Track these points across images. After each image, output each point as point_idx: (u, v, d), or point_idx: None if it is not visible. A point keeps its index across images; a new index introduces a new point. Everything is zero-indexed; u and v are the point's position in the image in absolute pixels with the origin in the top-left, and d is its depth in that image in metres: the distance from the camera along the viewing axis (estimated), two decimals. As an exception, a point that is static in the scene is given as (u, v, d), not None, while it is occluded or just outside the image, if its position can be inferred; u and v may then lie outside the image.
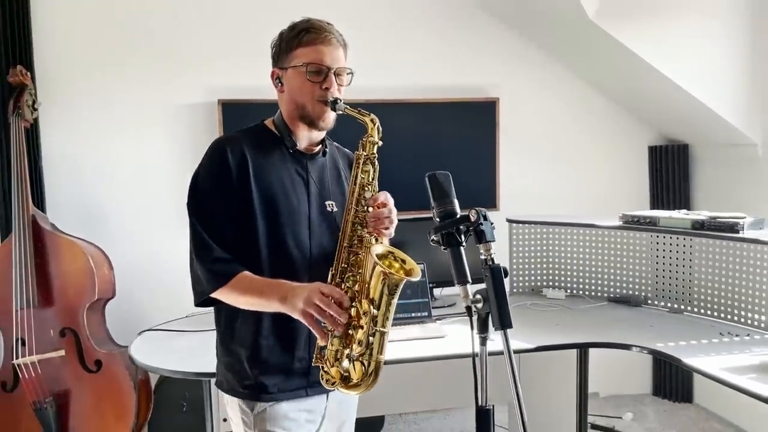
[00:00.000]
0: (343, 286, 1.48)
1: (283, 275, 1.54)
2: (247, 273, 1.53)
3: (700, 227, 2.65)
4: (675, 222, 2.74)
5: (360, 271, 1.49)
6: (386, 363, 2.26)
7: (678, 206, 3.79)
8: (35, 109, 3.19)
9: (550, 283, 3.26)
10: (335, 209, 1.64)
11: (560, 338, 2.52)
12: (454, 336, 2.57)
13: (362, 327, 1.42)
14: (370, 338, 1.41)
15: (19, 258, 2.90)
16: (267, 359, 1.59)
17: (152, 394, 3.19)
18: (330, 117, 1.60)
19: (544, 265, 3.26)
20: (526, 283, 3.28)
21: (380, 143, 1.55)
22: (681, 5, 3.32)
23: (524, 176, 3.89)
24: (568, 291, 3.21)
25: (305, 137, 1.65)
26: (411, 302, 2.79)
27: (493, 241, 1.21)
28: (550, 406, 2.99)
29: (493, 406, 1.24)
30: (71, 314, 2.97)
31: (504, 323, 1.16)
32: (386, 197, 1.56)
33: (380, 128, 1.56)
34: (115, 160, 3.47)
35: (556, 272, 3.25)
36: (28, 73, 3.18)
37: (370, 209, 1.52)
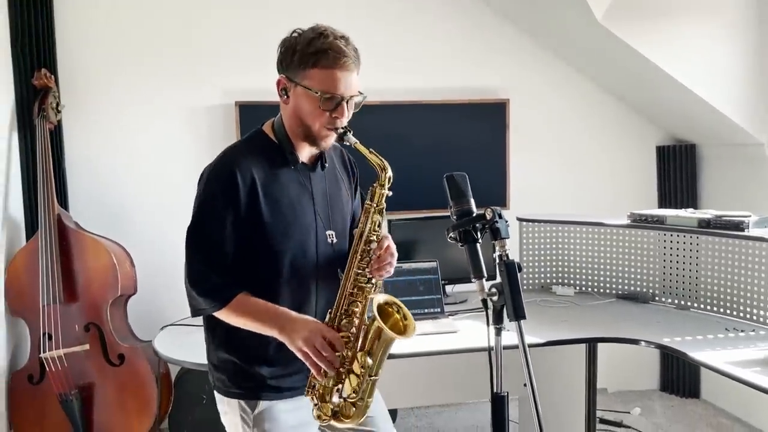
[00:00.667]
0: (340, 329, 1.56)
1: (294, 285, 1.62)
2: (245, 296, 1.56)
3: (707, 225, 2.72)
4: (682, 221, 2.81)
5: (359, 317, 1.56)
6: (400, 357, 2.39)
7: (685, 205, 3.84)
8: (59, 111, 3.29)
9: (560, 281, 3.32)
10: (335, 240, 1.67)
11: (569, 333, 2.59)
12: (466, 331, 2.65)
13: (358, 376, 1.52)
14: (363, 385, 1.52)
15: (46, 256, 3.00)
16: (271, 355, 1.62)
17: (173, 387, 3.28)
18: (332, 140, 1.60)
19: (554, 263, 3.33)
20: (536, 281, 3.34)
21: (390, 194, 1.58)
22: (688, 7, 3.36)
23: (534, 176, 3.95)
24: (577, 288, 3.28)
25: (306, 152, 1.66)
26: (424, 298, 2.87)
27: (508, 238, 1.30)
28: (559, 401, 3.05)
29: (508, 393, 1.32)
30: (95, 310, 3.07)
31: (518, 314, 1.24)
32: (389, 243, 1.60)
33: (391, 177, 1.57)
34: (135, 161, 3.57)
35: (566, 270, 3.31)
36: (52, 76, 3.27)
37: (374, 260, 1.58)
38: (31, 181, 3.25)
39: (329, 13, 3.55)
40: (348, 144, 1.56)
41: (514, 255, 3.28)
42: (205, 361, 2.31)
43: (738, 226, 2.61)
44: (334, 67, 1.50)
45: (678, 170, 3.96)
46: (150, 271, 3.48)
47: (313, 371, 1.50)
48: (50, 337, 2.99)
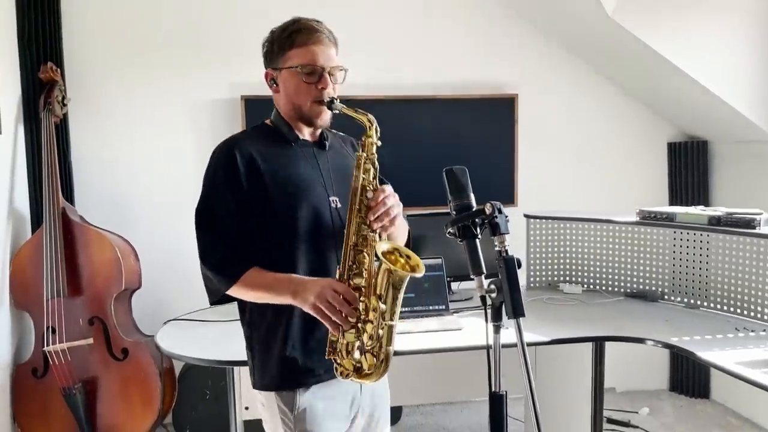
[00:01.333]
0: (351, 284, 1.52)
1: (306, 252, 1.60)
2: (256, 269, 1.57)
3: (717, 223, 2.67)
4: (692, 218, 2.76)
5: (366, 268, 1.52)
6: (405, 354, 2.37)
7: (697, 202, 3.79)
8: (65, 105, 3.29)
9: (567, 278, 3.28)
10: (339, 205, 1.66)
11: (576, 332, 2.55)
12: (471, 328, 2.61)
13: (371, 321, 1.47)
14: (380, 331, 1.46)
15: (50, 249, 3.00)
16: (305, 341, 1.62)
17: (176, 382, 3.28)
18: (327, 115, 1.66)
19: (561, 260, 3.28)
20: (543, 278, 3.30)
21: (379, 143, 1.58)
22: (701, 1, 3.31)
23: (542, 172, 3.91)
24: (585, 286, 3.23)
25: (305, 133, 1.71)
26: (429, 295, 2.84)
27: (508, 233, 1.26)
28: (564, 400, 3.02)
29: (506, 392, 1.29)
30: (99, 304, 3.07)
31: (517, 312, 1.21)
32: (385, 194, 1.56)
33: (378, 128, 1.58)
34: (140, 155, 3.57)
35: (573, 267, 3.27)
36: (58, 70, 3.27)
37: (372, 208, 1.55)
38: (37, 174, 3.25)
39: (337, 7, 3.63)
40: (337, 111, 1.60)
41: (520, 252, 3.31)
42: (207, 356, 2.35)
43: (749, 223, 2.56)
44: (308, 43, 1.60)
45: (689, 167, 3.91)
46: (155, 266, 3.48)
47: (329, 327, 1.48)
48: (54, 331, 2.99)
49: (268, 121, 1.75)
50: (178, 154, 3.57)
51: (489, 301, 1.26)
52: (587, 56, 3.88)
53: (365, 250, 1.53)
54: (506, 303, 1.22)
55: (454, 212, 1.34)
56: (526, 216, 3.30)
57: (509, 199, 3.81)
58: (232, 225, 1.59)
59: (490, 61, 3.83)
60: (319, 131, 1.72)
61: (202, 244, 1.61)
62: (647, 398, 3.97)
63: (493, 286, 1.25)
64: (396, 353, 1.94)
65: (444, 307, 2.83)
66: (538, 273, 3.30)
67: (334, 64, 1.64)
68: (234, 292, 1.60)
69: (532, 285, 3.29)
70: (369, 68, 3.63)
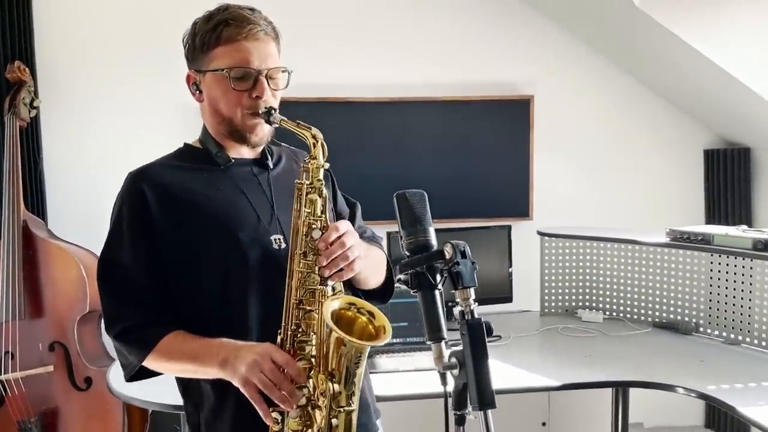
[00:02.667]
0: (295, 354, 1.17)
1: (255, 300, 1.27)
2: (178, 333, 1.25)
3: (763, 248, 2.31)
4: (732, 241, 2.40)
5: (315, 332, 1.18)
6: (392, 399, 2.03)
7: (738, 220, 3.41)
8: (34, 108, 3.03)
9: (587, 304, 2.95)
10: (283, 245, 1.30)
11: (594, 373, 2.23)
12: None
13: (321, 408, 1.12)
14: (333, 421, 1.11)
15: (7, 266, 2.73)
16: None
17: (148, 415, 2.98)
18: (263, 130, 1.32)
19: (580, 284, 2.96)
20: (559, 303, 2.98)
21: (326, 165, 1.24)
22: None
23: (560, 183, 3.55)
24: (607, 314, 2.90)
25: (242, 150, 1.38)
26: (422, 325, 2.49)
27: (474, 286, 0.90)
28: None
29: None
30: (61, 327, 2.79)
31: (484, 401, 0.85)
32: (339, 231, 1.20)
33: (325, 145, 1.25)
34: (117, 160, 3.25)
35: (594, 292, 2.94)
36: (27, 69, 3.01)
37: (320, 250, 1.19)
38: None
39: (337, 4, 3.40)
40: (275, 124, 1.28)
41: (534, 273, 2.95)
42: (169, 401, 2.02)
43: (803, 249, 2.17)
44: (238, 38, 1.26)
45: (729, 178, 3.52)
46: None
47: (261, 413, 1.12)
48: (12, 357, 2.72)
49: (194, 141, 1.41)
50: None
51: (450, 381, 0.90)
52: (611, 53, 3.53)
53: (314, 308, 1.18)
54: (470, 388, 0.86)
55: (406, 252, 0.98)
56: (540, 233, 2.98)
57: (523, 212, 3.44)
58: (141, 279, 1.27)
59: (503, 59, 3.50)
60: (256, 152, 1.39)
61: (106, 305, 1.29)
62: (679, 436, 3.57)
63: (454, 360, 0.89)
64: (381, 399, 1.60)
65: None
66: (553, 297, 2.97)
67: (272, 65, 1.30)
68: (152, 364, 1.26)
69: (546, 311, 2.97)
70: (374, 68, 3.39)
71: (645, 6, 2.89)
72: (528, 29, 3.50)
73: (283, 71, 1.32)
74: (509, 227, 2.95)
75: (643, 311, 2.81)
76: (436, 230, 2.86)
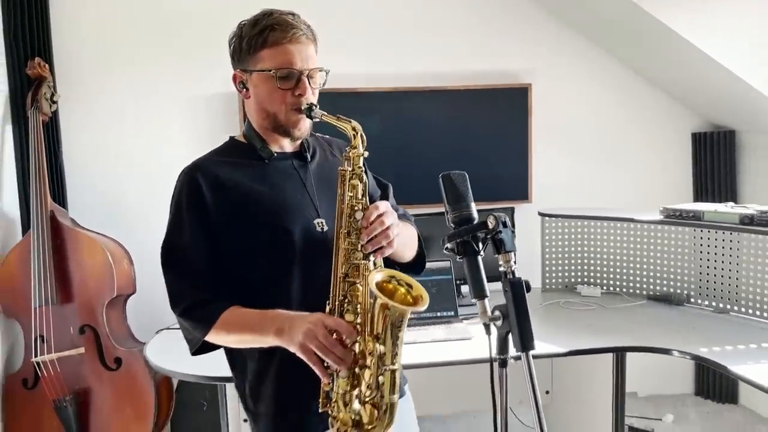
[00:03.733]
0: (345, 317, 1.32)
1: (303, 278, 1.42)
2: (235, 308, 1.39)
3: (749, 222, 2.48)
4: (721, 216, 2.58)
5: (360, 302, 1.32)
6: (410, 368, 2.20)
7: (724, 198, 3.59)
8: (54, 102, 3.14)
9: (585, 280, 3.12)
10: (326, 228, 1.46)
11: (595, 340, 2.40)
12: (482, 337, 2.43)
13: (369, 367, 1.26)
14: (380, 378, 1.25)
15: (38, 254, 2.86)
16: (300, 390, 1.42)
17: (174, 392, 3.14)
18: (305, 125, 1.47)
19: (579, 261, 3.12)
20: (560, 280, 3.14)
21: (366, 154, 1.39)
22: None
23: (558, 166, 3.71)
24: (604, 288, 3.06)
25: (284, 144, 1.53)
26: (437, 301, 2.67)
27: (514, 251, 1.07)
28: (584, 409, 2.88)
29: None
30: (91, 311, 2.93)
31: (525, 345, 1.03)
32: (379, 211, 1.34)
33: (364, 136, 1.39)
34: (134, 153, 3.42)
35: (592, 268, 3.10)
36: (47, 65, 3.13)
37: (363, 229, 1.34)
38: (26, 175, 3.11)
39: None
40: (317, 119, 1.41)
41: (535, 252, 3.12)
42: (199, 371, 2.19)
43: (785, 223, 2.35)
44: (283, 42, 1.40)
45: (716, 159, 3.69)
46: (151, 269, 3.31)
47: (319, 373, 1.27)
48: (43, 340, 2.85)
49: (239, 136, 1.56)
50: (173, 151, 3.40)
51: (493, 330, 1.07)
52: (605, 41, 3.67)
53: (358, 281, 1.33)
54: (513, 334, 1.03)
55: (452, 225, 1.15)
56: (541, 214, 3.13)
57: (523, 195, 3.61)
58: (201, 262, 1.41)
59: (502, 49, 3.63)
60: (297, 144, 1.54)
61: (171, 287, 1.44)
62: (671, 404, 3.77)
63: (498, 313, 1.07)
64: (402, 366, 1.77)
65: (453, 313, 2.68)
66: (554, 274, 3.14)
67: (312, 66, 1.44)
68: (213, 337, 1.40)
69: (547, 287, 3.13)
70: (373, 58, 3.49)
71: (636, -2, 3.04)
72: (526, 20, 3.63)
73: (321, 71, 1.46)
74: (512, 209, 3.11)
75: (638, 285, 2.98)
76: (439, 214, 3.03)
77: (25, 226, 3.14)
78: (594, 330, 2.53)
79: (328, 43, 3.38)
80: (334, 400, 1.30)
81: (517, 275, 1.06)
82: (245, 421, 2.66)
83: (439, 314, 2.65)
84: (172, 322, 2.78)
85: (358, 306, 1.32)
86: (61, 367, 2.87)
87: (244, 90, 1.48)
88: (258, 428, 1.50)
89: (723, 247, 2.70)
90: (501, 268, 1.07)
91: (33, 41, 3.16)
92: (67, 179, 3.28)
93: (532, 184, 3.66)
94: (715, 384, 3.79)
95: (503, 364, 1.08)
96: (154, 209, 3.40)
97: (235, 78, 1.49)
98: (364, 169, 1.40)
